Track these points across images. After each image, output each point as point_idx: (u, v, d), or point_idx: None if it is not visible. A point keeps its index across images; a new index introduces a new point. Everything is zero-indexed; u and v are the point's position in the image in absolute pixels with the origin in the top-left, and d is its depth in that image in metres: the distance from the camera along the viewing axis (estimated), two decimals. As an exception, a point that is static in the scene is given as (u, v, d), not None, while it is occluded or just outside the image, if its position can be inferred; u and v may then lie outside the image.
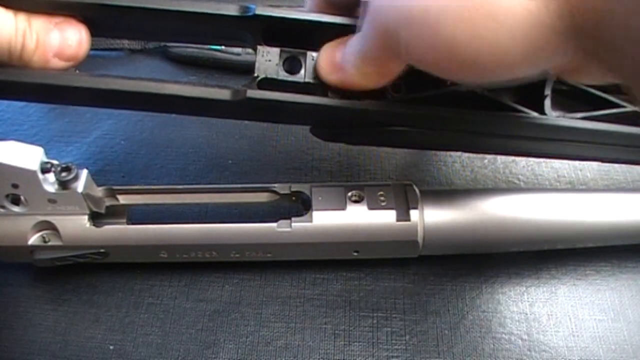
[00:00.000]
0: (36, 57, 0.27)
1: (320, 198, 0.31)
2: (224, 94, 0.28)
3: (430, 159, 0.39)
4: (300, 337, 0.31)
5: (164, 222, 0.31)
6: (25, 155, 0.27)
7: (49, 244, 0.30)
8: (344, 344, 0.31)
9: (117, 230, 0.30)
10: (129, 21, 0.28)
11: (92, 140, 0.40)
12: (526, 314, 0.32)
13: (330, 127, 0.31)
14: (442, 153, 0.39)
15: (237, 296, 0.33)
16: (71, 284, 0.33)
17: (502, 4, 0.20)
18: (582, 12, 0.19)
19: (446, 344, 0.31)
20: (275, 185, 0.32)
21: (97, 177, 0.30)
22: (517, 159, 0.39)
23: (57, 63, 0.27)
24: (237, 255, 0.32)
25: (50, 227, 0.30)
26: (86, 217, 0.30)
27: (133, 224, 0.31)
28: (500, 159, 0.39)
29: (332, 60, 0.27)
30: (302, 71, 0.28)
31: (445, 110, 0.28)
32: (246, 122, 0.41)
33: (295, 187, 0.32)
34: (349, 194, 0.31)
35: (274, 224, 0.30)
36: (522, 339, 0.31)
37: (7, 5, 0.26)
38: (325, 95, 0.28)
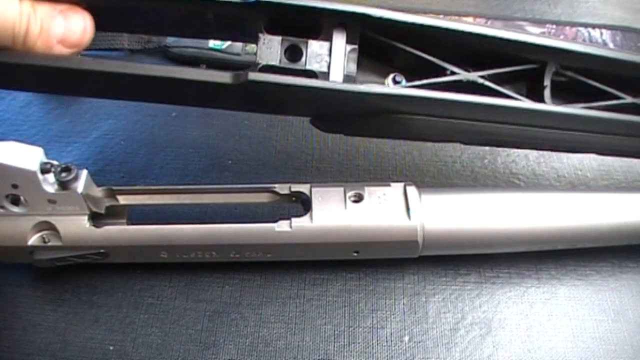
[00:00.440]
0: (40, 43, 0.27)
1: (320, 198, 0.31)
2: (225, 77, 0.27)
3: (430, 159, 0.39)
4: (300, 338, 0.31)
5: (163, 223, 0.31)
6: (25, 156, 0.27)
7: (49, 244, 0.30)
8: (344, 344, 0.31)
9: (117, 231, 0.30)
10: (131, 9, 0.28)
11: (91, 141, 0.40)
12: (526, 314, 0.32)
13: (330, 117, 0.31)
14: (442, 153, 0.39)
15: (237, 296, 0.33)
16: (71, 284, 0.33)
17: None
18: None
19: (446, 344, 0.31)
20: (275, 185, 0.32)
21: (96, 177, 0.30)
22: (517, 159, 0.39)
23: (61, 50, 0.27)
24: (237, 256, 0.32)
25: (50, 227, 0.30)
26: (86, 217, 0.30)
27: (133, 224, 0.31)
28: (500, 159, 0.39)
29: None
30: (304, 59, 0.28)
31: (447, 94, 0.28)
32: (246, 122, 0.41)
33: (295, 188, 0.32)
34: (349, 194, 0.31)
35: (274, 224, 0.30)
36: (522, 340, 0.31)
37: None
38: (326, 80, 0.28)
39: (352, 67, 0.29)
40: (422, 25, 0.28)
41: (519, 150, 0.40)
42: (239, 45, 0.43)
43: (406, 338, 0.31)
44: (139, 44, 0.46)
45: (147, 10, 0.28)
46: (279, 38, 0.28)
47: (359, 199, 0.31)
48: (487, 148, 0.40)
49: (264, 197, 0.33)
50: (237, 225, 0.31)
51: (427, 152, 0.39)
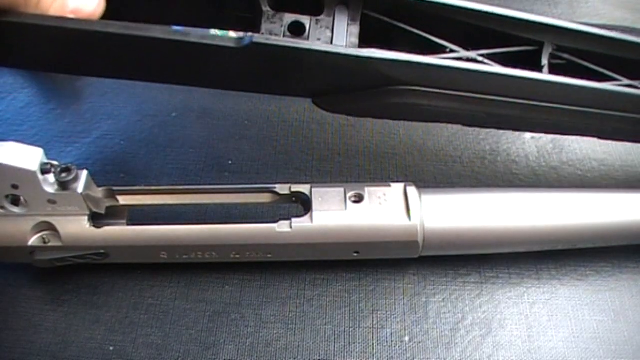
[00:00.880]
0: (53, 10, 0.26)
1: (320, 199, 0.31)
2: (229, 41, 0.27)
3: (430, 159, 0.39)
4: (300, 338, 0.31)
5: (164, 223, 0.31)
6: (25, 156, 0.27)
7: (49, 244, 0.30)
8: (344, 345, 0.31)
9: (117, 231, 0.30)
10: None
11: (91, 141, 0.40)
12: (526, 314, 0.32)
13: (332, 93, 0.30)
14: (443, 153, 0.39)
15: (237, 297, 0.33)
16: (71, 284, 0.33)
17: None
18: None
19: (446, 345, 0.31)
20: (276, 185, 0.32)
21: (96, 177, 0.30)
22: (517, 159, 0.39)
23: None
24: (237, 256, 0.32)
25: (50, 227, 0.30)
26: (86, 217, 0.30)
27: (133, 224, 0.31)
28: (500, 159, 0.39)
29: None
30: (307, 34, 0.29)
31: (447, 62, 0.28)
32: (246, 122, 0.41)
33: (296, 188, 0.32)
34: (349, 194, 0.31)
35: (274, 225, 0.30)
36: (522, 340, 0.31)
37: None
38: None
39: (355, 42, 0.29)
40: (422, 2, 0.28)
41: (519, 150, 0.40)
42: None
43: (406, 338, 0.31)
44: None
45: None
46: (283, 14, 0.29)
47: (359, 199, 0.31)
48: (487, 148, 0.40)
49: (264, 198, 0.33)
50: (237, 225, 0.31)
51: (427, 152, 0.39)
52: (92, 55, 0.29)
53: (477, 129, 0.41)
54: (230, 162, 0.39)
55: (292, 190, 0.32)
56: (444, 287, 0.33)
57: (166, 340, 0.31)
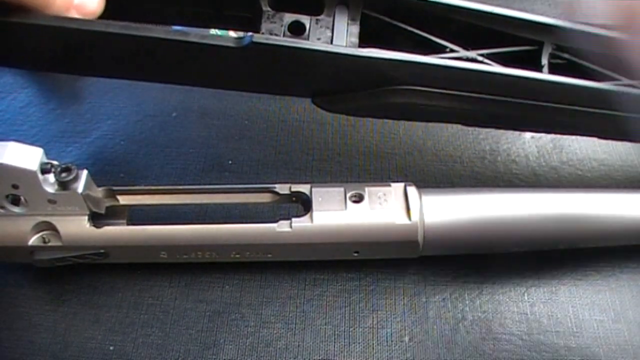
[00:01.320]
0: (59, 3, 0.26)
1: (320, 198, 0.31)
2: (228, 41, 0.27)
3: (430, 159, 0.39)
4: (300, 338, 0.31)
5: (164, 223, 0.31)
6: (25, 156, 0.27)
7: (49, 244, 0.30)
8: (344, 345, 0.31)
9: (117, 231, 0.30)
10: None
11: (91, 141, 0.40)
12: (527, 314, 0.32)
13: (332, 92, 0.30)
14: (443, 153, 0.39)
15: (237, 297, 0.33)
16: (71, 284, 0.33)
17: None
18: None
19: (446, 345, 0.31)
20: (276, 185, 0.32)
21: (96, 177, 0.30)
22: (517, 159, 0.39)
23: (74, 15, 0.27)
24: (237, 256, 0.32)
25: (50, 227, 0.30)
26: (86, 217, 0.30)
27: (133, 224, 0.31)
28: (500, 159, 0.39)
29: None
30: (306, 34, 0.29)
31: (447, 61, 0.28)
32: (246, 122, 0.41)
33: (296, 188, 0.32)
34: (349, 194, 0.31)
35: (274, 225, 0.30)
36: (522, 340, 0.31)
37: None
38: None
39: (355, 42, 0.29)
40: (421, 2, 0.28)
41: (519, 150, 0.40)
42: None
43: (406, 338, 0.31)
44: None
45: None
46: (283, 14, 0.29)
47: (359, 199, 0.31)
48: (487, 148, 0.40)
49: (264, 197, 0.33)
50: (237, 225, 0.31)
51: (427, 153, 0.39)
52: (92, 54, 0.29)
53: (477, 129, 0.41)
54: (230, 162, 0.39)
55: (292, 190, 0.32)
56: (444, 287, 0.33)
57: (166, 340, 0.31)
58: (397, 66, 0.28)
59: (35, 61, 0.31)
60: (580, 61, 0.31)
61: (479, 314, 0.32)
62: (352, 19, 0.29)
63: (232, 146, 0.40)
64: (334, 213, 0.30)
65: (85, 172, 0.29)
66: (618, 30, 0.26)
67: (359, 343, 0.31)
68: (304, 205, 0.32)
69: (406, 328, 0.32)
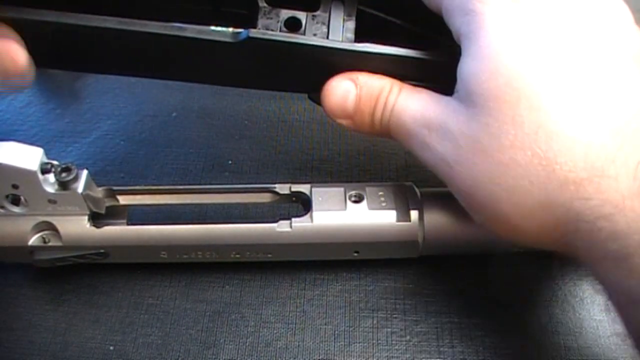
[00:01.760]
0: None
1: (320, 198, 0.31)
2: (225, 35, 0.27)
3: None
4: (300, 338, 0.31)
5: (164, 223, 0.31)
6: (25, 156, 0.27)
7: (49, 244, 0.30)
8: (344, 345, 0.31)
9: (117, 231, 0.30)
10: None
11: (92, 141, 0.40)
12: (527, 314, 0.32)
13: None
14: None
15: (237, 297, 0.33)
16: (71, 284, 0.33)
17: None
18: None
19: (447, 345, 0.31)
20: (276, 185, 0.32)
21: (97, 177, 0.30)
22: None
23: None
24: (237, 256, 0.32)
25: (50, 227, 0.30)
26: (86, 217, 0.30)
27: (133, 224, 0.31)
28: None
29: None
30: (302, 29, 0.29)
31: (444, 58, 0.28)
32: (246, 122, 0.41)
33: (296, 188, 0.32)
34: (349, 194, 0.31)
35: (274, 225, 0.30)
36: (523, 340, 0.31)
37: None
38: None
39: (350, 37, 0.29)
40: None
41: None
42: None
43: (407, 338, 0.31)
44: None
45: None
46: (279, 10, 0.29)
47: (359, 199, 0.31)
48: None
49: (264, 197, 0.33)
50: (237, 225, 0.31)
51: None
52: (86, 50, 0.29)
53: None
54: (230, 162, 0.39)
55: (292, 190, 0.32)
56: (444, 287, 0.33)
57: (166, 340, 0.31)
58: (393, 61, 0.28)
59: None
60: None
61: (480, 314, 0.32)
62: (348, 15, 0.29)
63: (232, 146, 0.40)
64: (334, 213, 0.30)
65: (85, 172, 0.29)
66: None
67: (359, 343, 0.31)
68: (304, 205, 0.32)
69: (406, 328, 0.32)
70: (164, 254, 0.31)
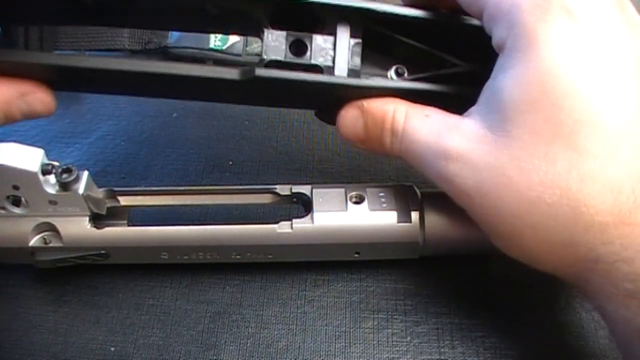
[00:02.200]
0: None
1: (321, 199, 0.31)
2: (232, 73, 0.28)
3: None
4: (301, 339, 0.31)
5: (164, 224, 0.31)
6: (26, 157, 0.27)
7: (50, 245, 0.30)
8: (345, 346, 0.31)
9: (118, 232, 0.30)
10: (133, 3, 0.29)
11: (92, 141, 0.40)
12: (529, 313, 0.32)
13: (336, 108, 0.31)
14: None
15: (238, 297, 0.33)
16: (72, 285, 0.33)
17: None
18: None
19: (447, 346, 0.31)
20: (276, 186, 0.32)
21: (97, 178, 0.30)
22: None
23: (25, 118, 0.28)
24: (237, 257, 0.32)
25: (51, 228, 0.30)
26: (87, 218, 0.30)
27: (134, 225, 0.31)
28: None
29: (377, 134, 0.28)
30: (308, 53, 0.29)
31: (449, 88, 0.28)
32: (247, 122, 0.41)
33: (296, 189, 0.32)
34: (350, 195, 0.31)
35: (275, 225, 0.30)
36: (525, 340, 0.31)
37: None
38: (331, 74, 0.28)
39: (357, 61, 0.29)
40: (424, 19, 0.28)
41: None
42: (239, 45, 0.43)
43: (408, 339, 0.31)
44: (139, 45, 0.46)
45: (147, 7, 0.29)
46: (284, 33, 0.29)
47: (359, 200, 0.31)
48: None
49: (264, 198, 0.33)
50: (238, 226, 0.31)
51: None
52: (96, 82, 0.30)
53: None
54: (230, 163, 0.39)
55: (293, 190, 0.32)
56: (444, 287, 0.33)
57: (167, 341, 0.31)
58: (401, 94, 0.29)
59: None
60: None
61: (481, 314, 0.32)
62: (354, 35, 0.29)
63: (232, 147, 0.40)
64: (335, 214, 0.30)
65: (86, 173, 0.29)
66: None
67: (359, 344, 0.31)
68: (305, 206, 0.32)
69: (407, 329, 0.32)
70: (164, 255, 0.31)
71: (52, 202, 0.29)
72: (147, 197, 0.32)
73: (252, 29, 0.30)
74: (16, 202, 0.29)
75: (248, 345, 0.31)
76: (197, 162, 0.39)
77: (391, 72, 0.30)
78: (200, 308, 0.32)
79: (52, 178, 0.28)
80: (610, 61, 0.24)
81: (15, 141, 0.28)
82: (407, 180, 0.36)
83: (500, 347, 0.31)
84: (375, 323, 0.32)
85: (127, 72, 0.28)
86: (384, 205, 0.31)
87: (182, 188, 0.33)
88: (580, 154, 0.23)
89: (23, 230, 0.30)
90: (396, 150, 0.28)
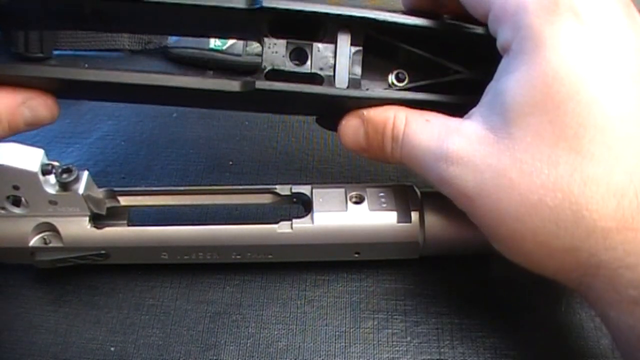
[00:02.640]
0: (4, 130, 0.28)
1: (321, 199, 0.31)
2: (233, 86, 0.28)
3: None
4: (301, 339, 0.31)
5: (164, 224, 0.31)
6: (26, 157, 0.27)
7: (50, 245, 0.30)
8: (345, 346, 0.31)
9: (118, 232, 0.30)
10: (134, 12, 0.29)
11: (92, 142, 0.40)
12: (530, 313, 0.32)
13: (337, 116, 0.31)
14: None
15: (238, 297, 0.33)
16: (72, 285, 0.33)
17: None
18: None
19: (447, 346, 0.31)
20: (276, 186, 0.32)
21: (97, 178, 0.30)
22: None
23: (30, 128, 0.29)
24: (238, 257, 0.32)
25: (51, 228, 0.30)
26: (87, 218, 0.30)
27: (134, 225, 0.31)
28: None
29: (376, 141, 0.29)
30: (309, 62, 0.29)
31: (451, 98, 0.28)
32: (247, 122, 0.41)
33: (296, 189, 0.32)
34: (350, 195, 0.31)
35: (275, 226, 0.30)
36: (526, 340, 0.31)
37: None
38: (332, 85, 0.28)
39: (358, 70, 0.29)
40: (426, 28, 0.28)
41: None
42: (239, 46, 0.43)
43: (408, 339, 0.31)
44: (139, 45, 0.46)
45: (148, 16, 0.29)
46: (284, 41, 0.29)
47: (359, 200, 0.31)
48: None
49: (264, 198, 0.33)
50: (238, 226, 0.31)
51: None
52: (98, 92, 0.31)
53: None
54: (230, 163, 0.39)
55: (293, 191, 0.32)
56: (444, 287, 0.33)
57: (167, 341, 0.31)
58: (397, 102, 0.29)
59: None
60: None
61: (482, 314, 0.32)
62: (355, 43, 0.29)
63: (232, 147, 0.40)
64: (335, 214, 0.30)
65: (86, 173, 0.29)
66: None
67: (359, 344, 0.31)
68: (305, 206, 0.32)
69: (407, 329, 0.31)
70: (164, 255, 0.31)
71: (52, 202, 0.29)
72: (147, 197, 0.32)
73: (252, 37, 0.30)
74: (16, 202, 0.29)
75: (248, 345, 0.31)
76: (197, 162, 0.39)
77: (392, 77, 0.30)
78: (200, 308, 0.32)
79: (52, 178, 0.28)
80: (616, 64, 0.24)
81: (15, 141, 0.28)
82: (407, 180, 0.36)
83: (500, 347, 0.31)
84: (375, 323, 0.32)
85: (127, 84, 0.28)
86: (384, 205, 0.31)
87: (182, 188, 0.33)
88: (584, 157, 0.23)
89: (23, 230, 0.30)
90: (397, 157, 0.28)
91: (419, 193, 0.31)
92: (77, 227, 0.30)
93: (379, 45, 0.29)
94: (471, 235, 0.31)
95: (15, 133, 0.28)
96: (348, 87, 0.29)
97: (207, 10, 0.28)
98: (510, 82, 0.24)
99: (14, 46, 0.45)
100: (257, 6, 0.27)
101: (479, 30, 0.28)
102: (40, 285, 0.33)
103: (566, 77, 0.23)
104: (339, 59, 0.29)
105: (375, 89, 0.29)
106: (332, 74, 0.28)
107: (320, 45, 0.28)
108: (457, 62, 0.29)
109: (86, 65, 0.29)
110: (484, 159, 0.25)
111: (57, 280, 0.33)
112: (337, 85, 0.28)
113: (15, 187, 0.28)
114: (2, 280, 0.33)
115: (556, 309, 0.33)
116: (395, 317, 0.32)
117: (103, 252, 0.30)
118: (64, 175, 0.28)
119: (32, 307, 0.32)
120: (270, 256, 0.32)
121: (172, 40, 0.45)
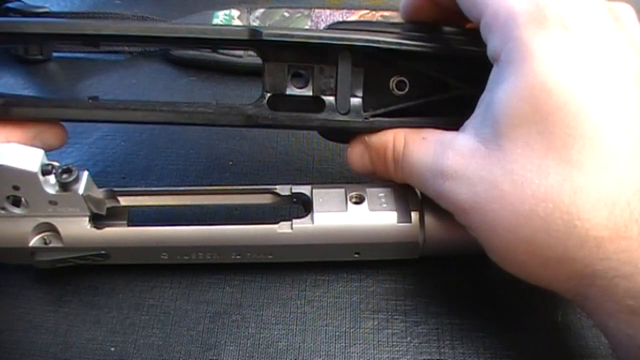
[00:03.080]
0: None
1: (321, 199, 0.31)
2: (236, 120, 0.29)
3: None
4: (301, 339, 0.31)
5: (164, 224, 0.31)
6: (26, 157, 0.27)
7: (50, 245, 0.30)
8: (345, 346, 0.31)
9: (118, 232, 0.30)
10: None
11: (92, 142, 0.40)
12: (530, 314, 0.32)
13: (339, 135, 0.32)
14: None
15: (238, 298, 0.33)
16: (72, 285, 0.33)
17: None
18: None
19: (447, 346, 0.31)
20: (276, 186, 0.32)
21: (97, 178, 0.30)
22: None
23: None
24: (238, 257, 0.32)
25: (51, 228, 0.30)
26: (87, 218, 0.30)
27: (134, 225, 0.31)
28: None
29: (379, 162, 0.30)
30: (310, 85, 0.29)
31: (449, 120, 0.28)
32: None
33: (296, 189, 0.32)
34: (350, 195, 0.31)
35: (275, 226, 0.30)
36: (526, 339, 0.31)
37: None
38: (334, 110, 0.29)
39: (359, 91, 0.29)
40: (425, 52, 0.29)
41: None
42: (239, 46, 0.43)
43: (408, 339, 0.31)
44: (140, 47, 0.46)
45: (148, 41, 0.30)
46: (285, 65, 0.29)
47: (359, 200, 0.31)
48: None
49: (265, 198, 0.33)
50: (238, 226, 0.31)
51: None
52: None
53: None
54: (230, 163, 0.39)
55: (293, 191, 0.32)
56: (444, 287, 0.33)
57: (167, 341, 0.31)
58: (398, 124, 0.29)
59: None
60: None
61: (482, 314, 0.32)
62: (356, 64, 0.29)
63: (232, 147, 0.40)
64: (335, 214, 0.30)
65: (86, 173, 0.29)
66: None
67: (359, 344, 0.31)
68: (305, 206, 0.32)
69: (407, 329, 0.31)
70: (164, 255, 0.31)
71: (52, 203, 0.29)
72: (147, 198, 0.32)
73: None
74: (16, 202, 0.29)
75: (248, 345, 0.31)
76: (197, 162, 0.39)
77: (392, 84, 0.30)
78: (200, 308, 0.32)
79: (52, 178, 0.28)
80: (604, 74, 0.24)
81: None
82: (407, 180, 0.36)
83: (500, 347, 0.31)
84: (375, 323, 0.32)
85: (135, 121, 0.30)
86: (384, 205, 0.31)
87: (182, 188, 0.33)
88: (573, 167, 0.23)
89: (23, 230, 0.30)
90: (400, 176, 0.29)
91: (418, 193, 0.31)
92: (77, 227, 0.30)
93: (379, 57, 0.29)
94: (471, 235, 0.31)
95: None
96: (349, 111, 0.29)
97: (210, 42, 0.29)
98: (500, 94, 0.25)
99: (14, 49, 0.45)
100: (258, 38, 0.28)
101: (478, 50, 0.28)
102: (40, 285, 0.33)
103: (554, 88, 0.23)
104: (340, 83, 0.29)
105: (377, 111, 0.30)
106: (333, 98, 0.29)
107: (321, 66, 0.29)
108: (458, 78, 0.30)
109: (89, 101, 0.30)
110: (476, 172, 0.25)
111: (57, 280, 0.33)
112: (339, 109, 0.29)
113: (15, 188, 0.28)
114: (2, 280, 0.33)
115: (556, 309, 0.33)
116: (395, 317, 0.32)
117: (103, 252, 0.30)
118: (64, 176, 0.28)
119: (32, 307, 0.32)
120: (270, 256, 0.32)
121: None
